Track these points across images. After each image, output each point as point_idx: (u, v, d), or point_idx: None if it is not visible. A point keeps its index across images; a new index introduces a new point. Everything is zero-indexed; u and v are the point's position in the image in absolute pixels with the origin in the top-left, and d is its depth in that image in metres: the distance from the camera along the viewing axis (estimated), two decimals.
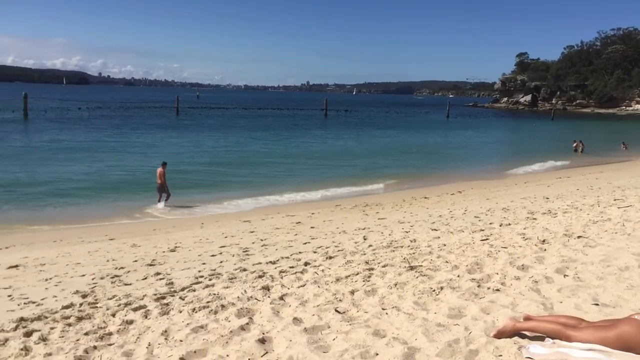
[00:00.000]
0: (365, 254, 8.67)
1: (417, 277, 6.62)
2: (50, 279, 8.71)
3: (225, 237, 12.40)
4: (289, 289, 6.66)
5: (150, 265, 9.43)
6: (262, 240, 11.51)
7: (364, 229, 12.32)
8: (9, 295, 7.73)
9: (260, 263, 8.78)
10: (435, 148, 41.49)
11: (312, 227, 13.26)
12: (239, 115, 77.88)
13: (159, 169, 19.38)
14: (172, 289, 7.33)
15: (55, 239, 13.74)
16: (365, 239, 10.56)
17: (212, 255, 9.95)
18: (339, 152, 37.52)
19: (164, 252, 10.75)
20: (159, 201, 18.98)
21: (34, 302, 7.19)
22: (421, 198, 19.26)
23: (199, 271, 8.54)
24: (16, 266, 9.94)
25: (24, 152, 30.75)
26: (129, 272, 8.93)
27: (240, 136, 46.26)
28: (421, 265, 7.26)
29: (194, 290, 7.13)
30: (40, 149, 31.43)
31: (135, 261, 9.84)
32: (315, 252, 9.45)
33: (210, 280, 7.75)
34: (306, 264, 8.30)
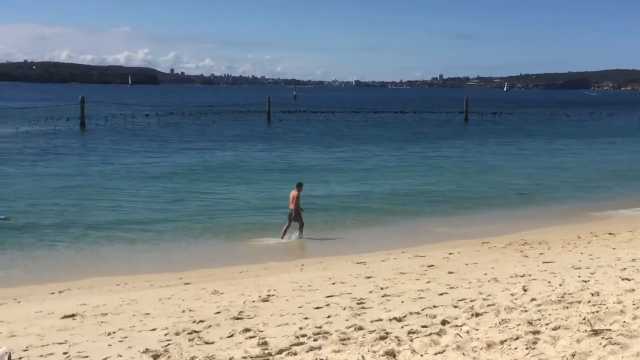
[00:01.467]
0: (526, 311, 8.45)
1: (604, 346, 6.37)
2: (114, 332, 9.20)
3: (333, 283, 12.53)
4: (421, 355, 6.61)
5: (237, 318, 9.71)
6: (382, 288, 11.52)
7: (523, 275, 12.01)
8: (65, 353, 8.24)
9: (381, 320, 8.78)
10: (630, 166, 39.51)
11: (449, 273, 13.11)
12: (346, 121, 78.92)
13: (293, 192, 20.09)
14: (267, 351, 7.49)
15: (119, 282, 14.52)
16: (525, 290, 10.28)
17: (317, 308, 10.08)
18: (485, 168, 36.97)
19: (253, 301, 11.03)
20: (285, 233, 19.59)
21: None
22: (604, 234, 18.49)
23: (300, 328, 8.67)
24: (73, 316, 10.60)
25: (77, 177, 32.81)
26: (210, 326, 9.24)
27: (347, 148, 46.83)
28: (609, 329, 6.98)
29: (295, 354, 7.24)
30: (100, 175, 33.08)
31: (218, 313, 10.17)
32: (456, 307, 9.32)
33: (315, 340, 7.84)
34: (444, 322, 8.20)
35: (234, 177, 32.13)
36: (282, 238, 19.47)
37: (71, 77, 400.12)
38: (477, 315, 8.52)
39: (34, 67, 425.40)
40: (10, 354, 7.60)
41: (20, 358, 8.08)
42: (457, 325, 7.97)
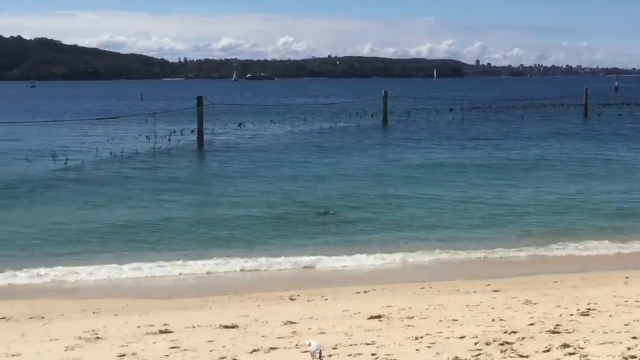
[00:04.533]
0: None
1: None
2: (421, 337, 9.46)
3: None
4: None
5: (554, 332, 9.49)
6: None
7: None
8: (373, 354, 8.66)
9: None
10: None
11: None
12: None
13: None
14: None
15: (424, 286, 14.91)
16: None
17: None
18: None
19: (571, 315, 10.70)
20: None
21: None
22: None
23: (628, 348, 8.28)
24: (379, 317, 11.09)
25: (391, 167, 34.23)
26: (523, 338, 9.13)
27: None
28: None
29: None
30: (407, 170, 34.27)
31: (532, 325, 10.02)
32: None
33: None
34: None
35: (545, 176, 31.39)
36: None
37: (373, 72, 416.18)
38: None
39: (337, 62, 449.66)
40: (321, 350, 8.19)
41: (330, 355, 8.64)
42: None
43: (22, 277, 16.21)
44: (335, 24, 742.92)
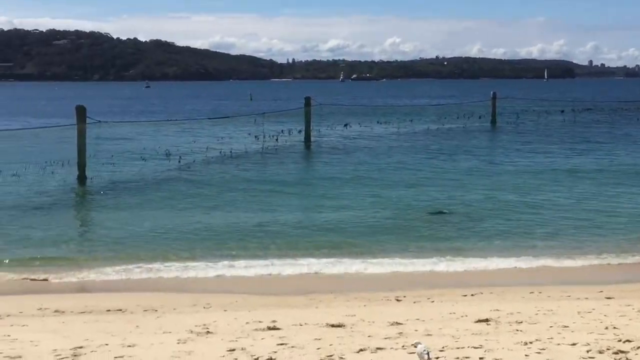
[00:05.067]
0: None
1: None
2: (531, 343, 9.30)
3: None
4: None
5: None
6: None
7: None
8: (481, 358, 8.59)
9: None
10: None
11: None
12: None
13: None
14: None
15: (533, 290, 14.62)
16: None
17: None
18: None
19: None
20: None
21: None
22: None
23: None
24: (486, 320, 10.95)
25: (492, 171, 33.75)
26: (638, 348, 8.85)
27: None
28: None
29: None
30: (515, 172, 33.68)
31: None
32: None
33: None
34: None
35: None
36: None
37: (481, 73, 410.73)
38: None
39: (445, 63, 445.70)
40: (429, 352, 8.17)
41: (437, 358, 8.60)
42: None
43: (136, 271, 16.86)
44: (444, 25, 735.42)
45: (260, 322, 11.05)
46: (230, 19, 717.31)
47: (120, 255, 18.11)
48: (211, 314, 12.21)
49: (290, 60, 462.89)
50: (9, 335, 10.29)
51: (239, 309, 12.84)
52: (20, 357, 9.06)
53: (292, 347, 9.35)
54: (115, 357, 8.99)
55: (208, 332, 10.44)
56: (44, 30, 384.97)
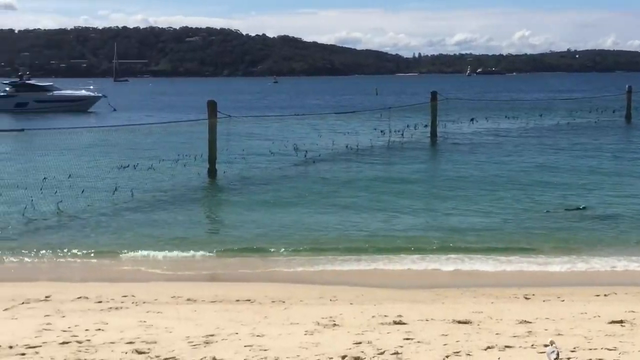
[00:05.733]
0: None
1: None
2: None
3: None
4: None
5: None
6: None
7: None
8: None
9: None
10: None
11: None
12: None
13: None
14: None
15: None
16: None
17: None
18: None
19: None
20: None
21: None
22: None
23: None
24: (621, 322, 10.57)
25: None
26: None
27: None
28: None
29: None
30: None
31: None
32: None
33: None
34: None
35: None
36: None
37: (616, 65, 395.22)
38: None
39: (577, 56, 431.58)
40: (558, 352, 7.98)
41: (569, 358, 8.39)
42: None
43: (273, 262, 17.35)
44: (575, 17, 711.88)
45: (386, 316, 11.08)
46: (356, 14, 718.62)
47: (249, 246, 18.55)
48: (337, 307, 12.32)
49: (416, 55, 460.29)
50: (144, 322, 10.75)
51: (364, 303, 12.89)
52: (155, 342, 9.45)
53: (419, 342, 9.33)
54: (245, 346, 9.23)
55: (334, 324, 10.56)
56: (177, 28, 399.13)
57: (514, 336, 9.63)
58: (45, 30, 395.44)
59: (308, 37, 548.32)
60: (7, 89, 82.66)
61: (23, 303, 12.50)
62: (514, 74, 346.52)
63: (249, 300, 13.16)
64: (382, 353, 8.83)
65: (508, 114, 62.97)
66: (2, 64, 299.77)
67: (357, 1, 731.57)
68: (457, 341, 9.33)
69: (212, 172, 29.65)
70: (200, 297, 13.39)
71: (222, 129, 31.27)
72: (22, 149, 36.96)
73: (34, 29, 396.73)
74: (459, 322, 10.65)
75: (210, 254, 18.10)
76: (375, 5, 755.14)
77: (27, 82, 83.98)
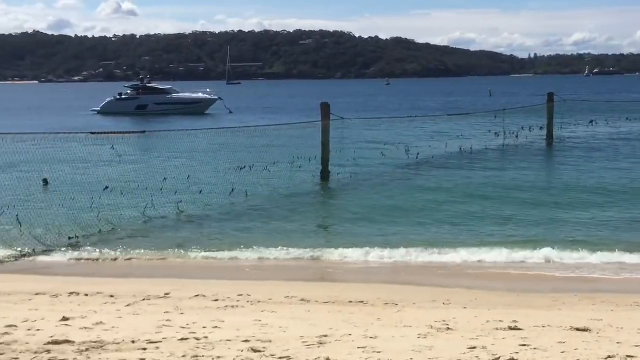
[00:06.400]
0: None
1: None
2: None
3: None
4: None
5: None
6: None
7: None
8: None
9: None
10: None
11: None
12: None
13: None
14: None
15: None
16: None
17: None
18: None
19: None
20: None
21: None
22: None
23: None
24: None
25: None
26: None
27: None
28: None
29: None
30: None
31: None
32: None
33: None
34: None
35: None
36: None
37: None
38: None
39: None
40: None
41: None
42: None
43: (378, 262, 17.33)
44: None
45: (501, 321, 10.88)
46: (470, 14, 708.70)
47: (363, 246, 18.66)
48: (451, 311, 12.19)
49: (532, 55, 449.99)
50: (260, 320, 10.94)
51: (478, 307, 12.70)
52: (270, 341, 9.59)
53: (535, 349, 9.13)
54: (359, 347, 9.25)
55: (448, 328, 10.46)
56: (291, 31, 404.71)
57: (636, 346, 9.28)
58: (164, 35, 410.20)
59: (421, 39, 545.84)
60: (129, 91, 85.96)
61: (144, 299, 12.96)
62: (637, 74, 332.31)
63: (362, 302, 13.18)
64: (497, 359, 8.69)
65: (630, 115, 60.56)
66: (125, 68, 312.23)
67: (472, 2, 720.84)
68: (576, 349, 9.07)
69: (325, 174, 29.86)
70: (313, 297, 13.51)
71: (334, 132, 31.41)
72: (143, 150, 38.34)
73: (154, 34, 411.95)
74: (577, 329, 10.34)
75: (322, 255, 18.27)
76: (491, 6, 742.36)
77: (147, 85, 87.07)
